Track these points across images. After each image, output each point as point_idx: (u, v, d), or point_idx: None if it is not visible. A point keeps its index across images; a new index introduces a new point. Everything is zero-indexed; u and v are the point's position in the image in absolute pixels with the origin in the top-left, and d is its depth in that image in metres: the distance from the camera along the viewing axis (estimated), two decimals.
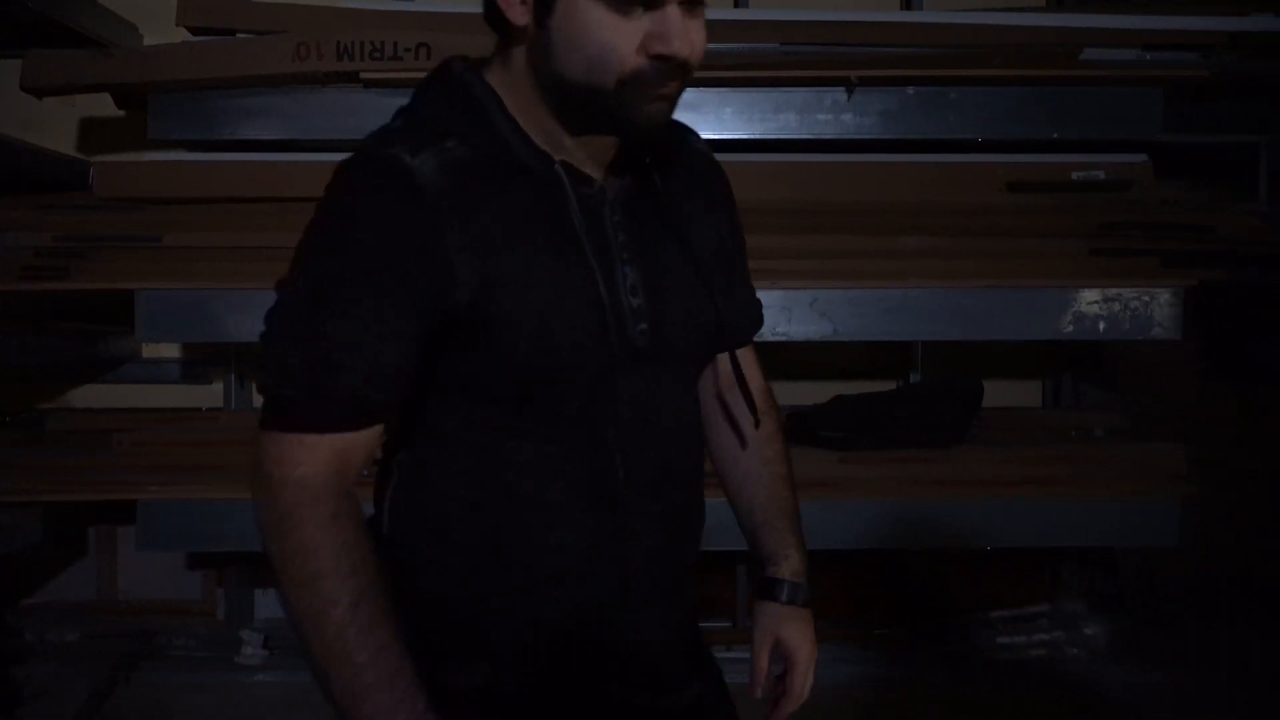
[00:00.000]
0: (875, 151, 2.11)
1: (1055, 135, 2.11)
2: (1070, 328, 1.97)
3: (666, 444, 0.82)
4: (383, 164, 0.74)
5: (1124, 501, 1.88)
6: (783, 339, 1.89)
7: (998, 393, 2.41)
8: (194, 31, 1.98)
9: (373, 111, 1.93)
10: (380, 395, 0.72)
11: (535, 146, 0.77)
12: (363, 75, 1.91)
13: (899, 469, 1.88)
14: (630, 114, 0.74)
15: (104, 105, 2.29)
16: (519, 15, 0.74)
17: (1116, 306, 1.97)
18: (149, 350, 2.43)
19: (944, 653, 2.06)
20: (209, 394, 2.42)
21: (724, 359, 0.89)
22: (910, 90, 2.08)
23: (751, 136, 2.05)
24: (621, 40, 0.72)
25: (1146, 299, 1.97)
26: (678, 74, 0.74)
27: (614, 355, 0.77)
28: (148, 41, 2.35)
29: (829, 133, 2.06)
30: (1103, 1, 2.48)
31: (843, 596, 2.28)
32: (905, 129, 2.08)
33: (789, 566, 0.95)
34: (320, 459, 0.72)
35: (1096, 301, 1.97)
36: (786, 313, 1.89)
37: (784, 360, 2.42)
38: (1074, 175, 2.12)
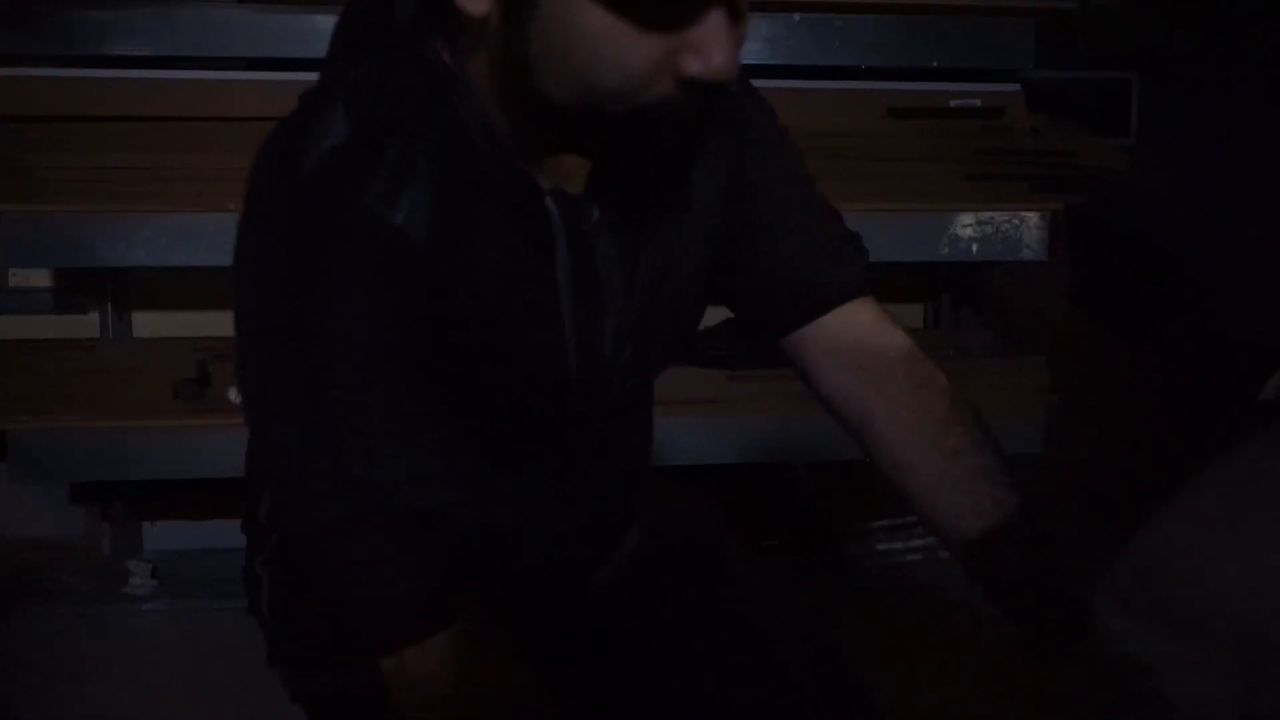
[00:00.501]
0: (762, 78, 2.14)
1: (935, 64, 2.18)
2: (946, 250, 2.06)
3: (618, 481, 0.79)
4: (367, 235, 0.56)
5: (993, 412, 1.98)
6: None
7: None
8: None
9: (250, 28, 1.87)
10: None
11: (515, 166, 0.60)
12: None
13: (784, 386, 1.95)
14: (644, 146, 0.62)
15: None
16: (475, 2, 0.53)
17: (989, 229, 2.07)
18: (17, 279, 2.32)
19: (826, 561, 2.17)
20: (84, 324, 2.34)
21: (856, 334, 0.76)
22: (796, 17, 2.11)
23: None
24: (639, 59, 0.52)
25: (1016, 222, 2.07)
26: (710, 98, 0.55)
27: (574, 420, 0.71)
28: None
29: None
30: None
31: (729, 511, 2.36)
32: (791, 55, 2.11)
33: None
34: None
35: (970, 225, 2.06)
36: None
37: None
38: (952, 103, 2.19)
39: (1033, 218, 2.07)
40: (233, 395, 1.78)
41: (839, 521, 2.26)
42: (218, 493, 2.15)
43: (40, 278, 2.36)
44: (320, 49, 0.67)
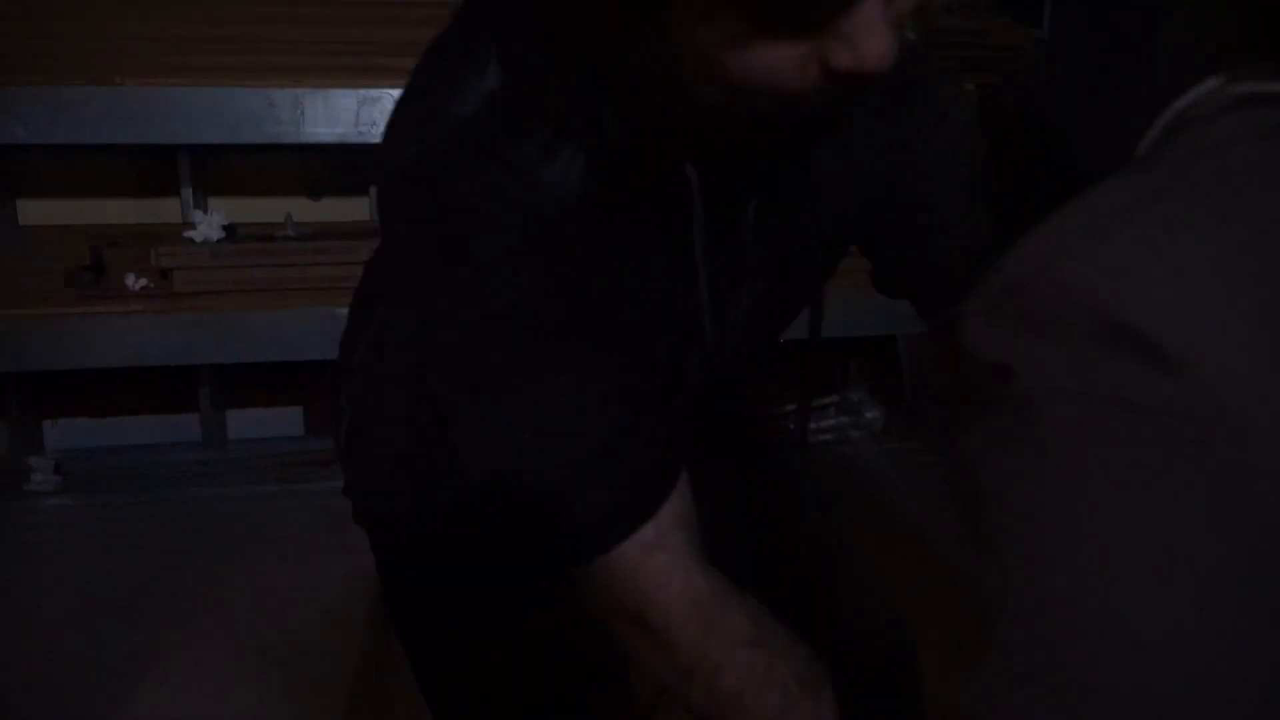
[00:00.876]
0: None
1: None
2: None
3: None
4: (523, 192, 0.54)
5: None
6: None
7: None
8: None
9: None
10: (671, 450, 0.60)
11: (648, 138, 0.56)
12: None
13: None
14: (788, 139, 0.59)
15: None
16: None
17: None
18: None
19: (741, 442, 2.22)
20: None
21: None
22: None
23: None
24: (783, 60, 0.47)
25: None
26: (863, 88, 0.49)
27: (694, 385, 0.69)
28: None
29: None
30: None
31: None
32: None
33: None
34: (682, 544, 0.59)
35: None
36: None
37: None
38: None
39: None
40: (130, 281, 1.70)
41: (756, 404, 2.31)
42: (120, 386, 2.09)
43: None
44: None
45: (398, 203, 0.59)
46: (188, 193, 2.05)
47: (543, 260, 0.55)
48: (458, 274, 0.56)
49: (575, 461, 0.57)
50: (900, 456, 2.13)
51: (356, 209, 2.33)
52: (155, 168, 2.09)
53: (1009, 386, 0.31)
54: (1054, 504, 0.30)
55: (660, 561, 0.58)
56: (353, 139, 1.76)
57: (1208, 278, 0.29)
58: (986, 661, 0.32)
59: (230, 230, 1.84)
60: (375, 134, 1.76)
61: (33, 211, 2.08)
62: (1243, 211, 0.29)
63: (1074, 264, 0.30)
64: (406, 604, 0.80)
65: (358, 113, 1.75)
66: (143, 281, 1.69)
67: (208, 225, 1.76)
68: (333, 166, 2.29)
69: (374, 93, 1.75)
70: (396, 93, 1.83)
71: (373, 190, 2.29)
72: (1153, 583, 0.29)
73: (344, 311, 1.73)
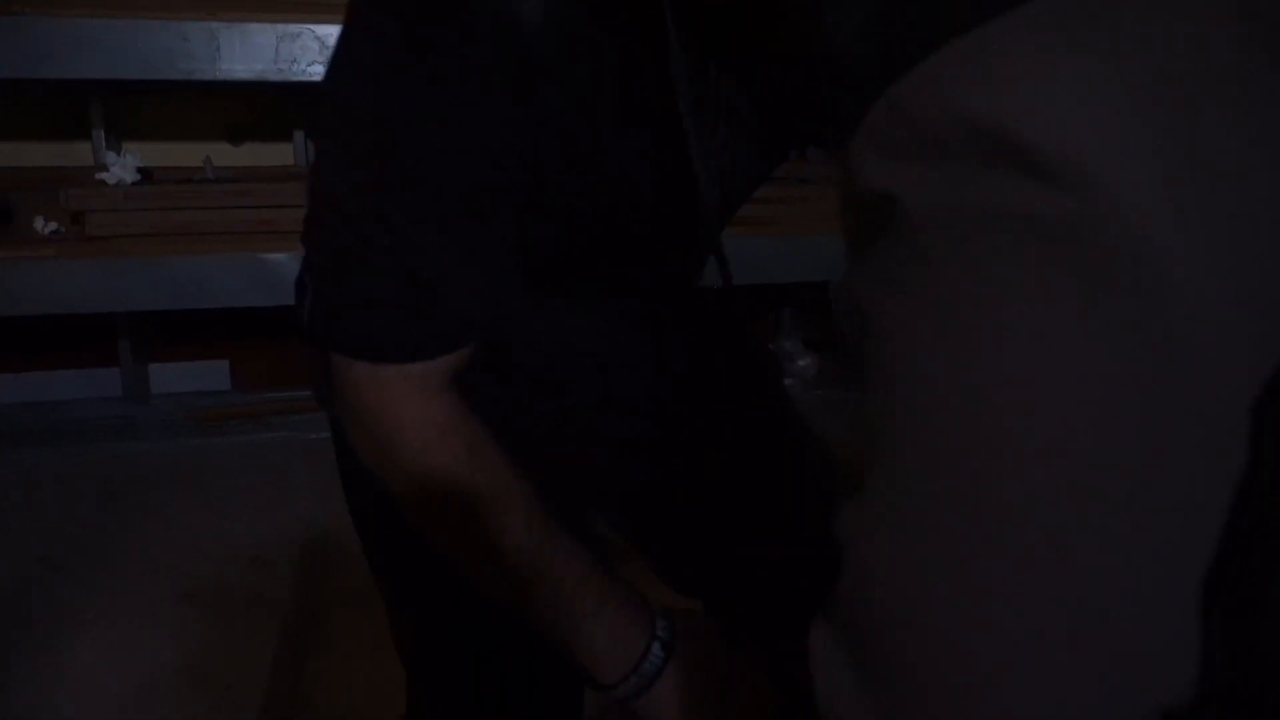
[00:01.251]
0: None
1: None
2: None
3: None
4: (486, 16, 0.51)
5: (836, 240, 2.06)
6: None
7: None
8: None
9: None
10: (488, 306, 0.60)
11: None
12: None
13: None
14: None
15: None
16: None
17: None
18: None
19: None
20: None
21: None
22: None
23: None
24: None
25: None
26: None
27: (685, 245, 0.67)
28: None
29: None
30: None
31: None
32: None
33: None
34: (436, 383, 0.59)
35: None
36: None
37: None
38: None
39: None
40: (39, 225, 1.64)
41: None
42: (36, 340, 2.02)
43: None
44: None
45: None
46: (100, 135, 1.97)
47: (502, 85, 0.52)
48: (410, 60, 0.53)
49: (395, 253, 0.56)
50: (831, 404, 2.16)
51: (280, 154, 2.26)
52: (65, 109, 2.00)
53: (893, 214, 0.30)
54: (937, 326, 0.30)
55: (416, 396, 0.59)
56: (272, 76, 1.70)
57: (1110, 86, 0.27)
58: (866, 488, 0.32)
59: (146, 174, 1.77)
60: (295, 71, 1.71)
61: None
62: (1149, 17, 0.28)
63: (958, 79, 0.29)
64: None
65: (277, 49, 1.69)
66: (52, 225, 1.62)
67: (121, 167, 1.69)
68: (254, 109, 2.21)
69: (294, 28, 1.69)
70: (318, 28, 1.78)
71: (297, 134, 2.23)
72: (1034, 403, 0.28)
73: (270, 257, 1.70)
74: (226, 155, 2.18)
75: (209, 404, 2.05)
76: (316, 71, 1.72)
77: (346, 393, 0.60)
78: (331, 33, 1.74)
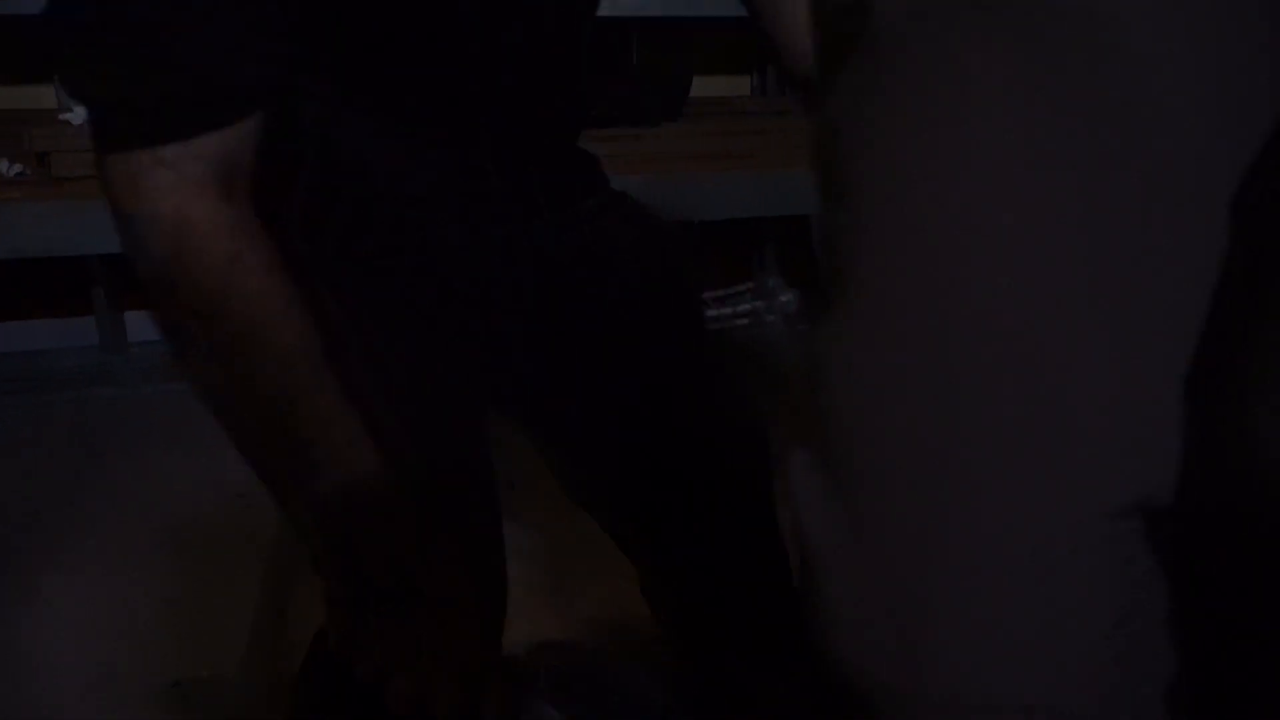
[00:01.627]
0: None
1: None
2: None
3: None
4: None
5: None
6: None
7: (708, 87, 2.49)
8: None
9: None
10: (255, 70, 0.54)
11: None
12: None
13: (611, 146, 1.92)
14: None
15: None
16: None
17: None
18: None
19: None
20: None
21: None
22: None
23: None
24: None
25: None
26: None
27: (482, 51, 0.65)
28: None
29: None
30: None
31: None
32: None
33: None
34: (197, 176, 0.53)
35: None
36: None
37: None
38: None
39: None
40: (3, 168, 1.60)
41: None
42: (10, 288, 1.99)
43: None
44: None
45: None
46: None
47: None
48: None
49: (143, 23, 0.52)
50: (799, 336, 2.17)
51: None
52: (25, 50, 1.95)
53: (865, 25, 0.29)
54: (908, 120, 0.29)
55: (169, 182, 0.54)
56: None
57: None
58: (835, 305, 0.31)
59: None
60: None
61: None
62: None
63: None
64: None
65: None
66: (17, 167, 1.59)
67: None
68: None
69: None
70: None
71: None
72: (1005, 192, 0.27)
73: None
74: None
75: None
76: None
77: (116, 198, 0.56)
78: None
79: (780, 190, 2.06)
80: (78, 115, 1.66)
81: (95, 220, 1.58)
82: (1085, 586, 0.28)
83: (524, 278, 0.72)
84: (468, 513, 0.67)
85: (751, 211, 2.06)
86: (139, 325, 2.10)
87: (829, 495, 0.31)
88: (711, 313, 2.29)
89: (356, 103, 0.61)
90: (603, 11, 1.92)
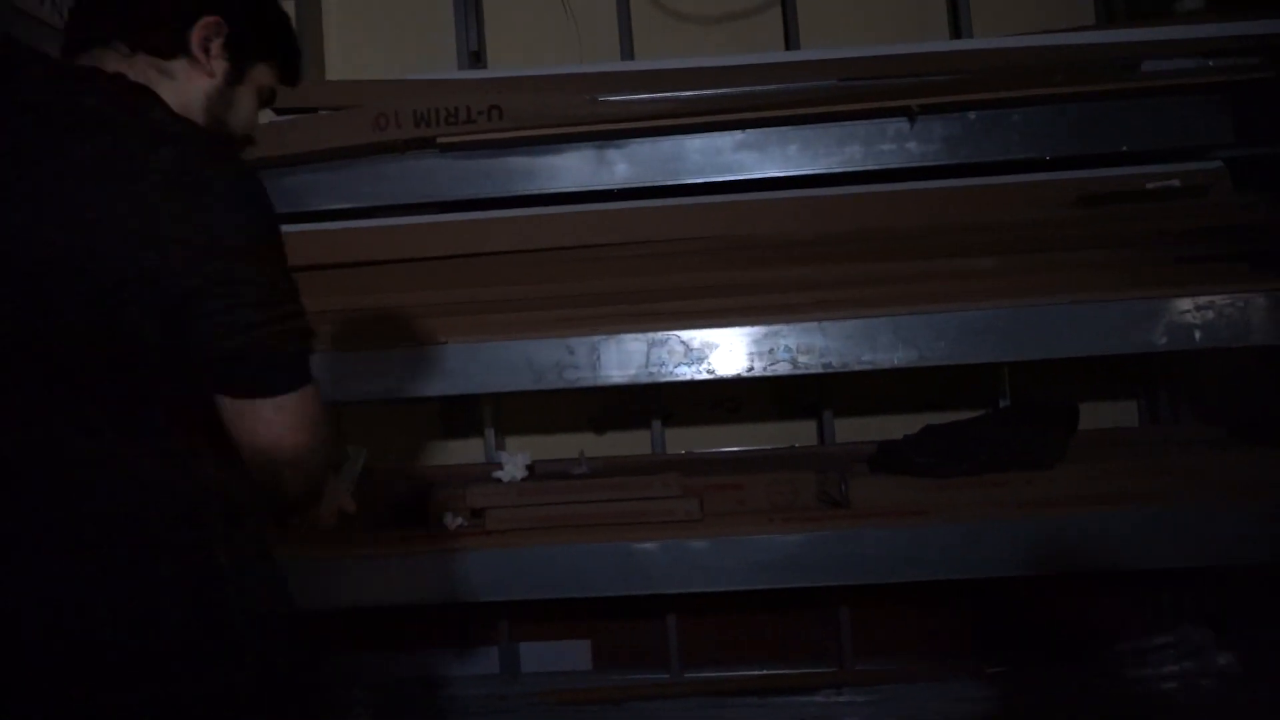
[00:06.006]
0: (943, 177, 2.12)
1: (1124, 148, 2.09)
2: (1164, 339, 1.91)
3: None
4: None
5: (1228, 511, 1.80)
6: (868, 367, 1.87)
7: (1092, 415, 2.36)
8: (279, 113, 2.08)
9: (448, 173, 2.02)
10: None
11: None
12: (439, 140, 1.98)
13: (999, 492, 1.84)
14: None
15: None
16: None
17: (1210, 314, 1.92)
18: None
19: (1065, 689, 1.97)
20: None
21: None
22: (972, 115, 2.09)
23: (816, 171, 2.07)
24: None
25: (1241, 304, 1.91)
26: None
27: None
28: None
29: (894, 162, 2.07)
30: (1156, 15, 2.48)
31: (950, 630, 2.21)
32: (970, 153, 2.08)
33: None
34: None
35: (1189, 310, 1.92)
36: (869, 341, 1.88)
37: (868, 392, 2.42)
38: (1148, 185, 2.09)
39: (1259, 299, 1.91)
40: (449, 520, 1.82)
41: (1075, 642, 2.07)
42: (420, 619, 2.19)
43: None
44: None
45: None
46: (490, 433, 2.21)
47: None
48: (273, 220, 0.87)
49: (290, 331, 0.85)
50: (1265, 707, 1.80)
51: (638, 441, 2.42)
52: (460, 412, 2.29)
53: None
54: None
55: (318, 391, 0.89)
56: (643, 379, 1.85)
57: None
58: None
59: (528, 468, 1.95)
60: (664, 373, 1.85)
61: None
62: None
63: None
64: None
65: (648, 354, 1.85)
66: (459, 520, 1.81)
67: (513, 465, 1.88)
68: (615, 401, 2.42)
69: (662, 335, 1.85)
70: (683, 333, 1.91)
71: (655, 424, 2.38)
72: None
73: (641, 546, 1.77)
74: (590, 443, 2.36)
75: (574, 684, 2.11)
76: (683, 372, 1.85)
77: (316, 409, 0.88)
78: (695, 336, 1.89)
79: (1197, 534, 1.83)
80: (506, 472, 1.89)
81: (516, 569, 1.74)
82: None
83: None
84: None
85: (1167, 561, 1.84)
86: (529, 654, 2.23)
87: None
88: (1128, 672, 2.00)
89: None
90: (970, 356, 1.92)
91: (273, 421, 0.81)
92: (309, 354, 0.85)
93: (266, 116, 2.10)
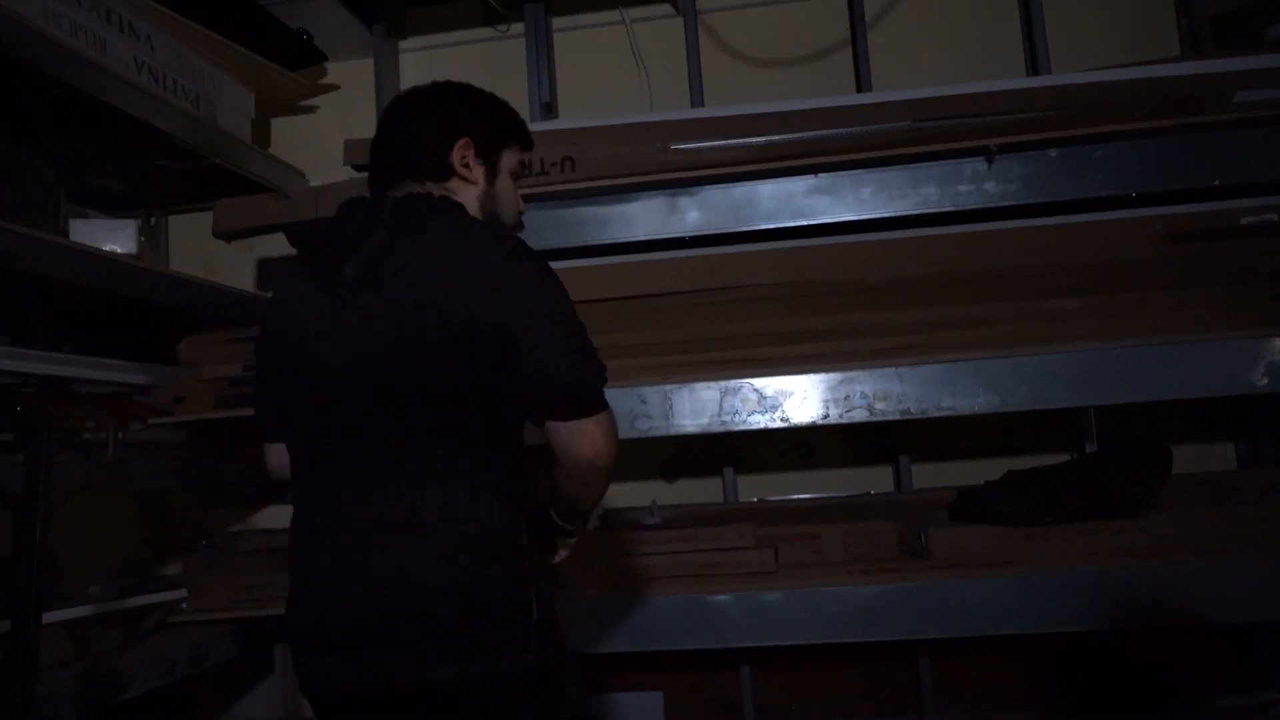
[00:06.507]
0: (1022, 217, 2.07)
1: (1216, 182, 2.01)
2: (1264, 380, 1.83)
3: None
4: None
5: None
6: (948, 413, 1.82)
7: (1186, 458, 2.25)
8: (357, 170, 2.14)
9: (523, 225, 2.04)
10: None
11: None
12: None
13: (1089, 542, 1.76)
14: None
15: (277, 247, 2.50)
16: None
17: None
18: None
19: None
20: None
21: None
22: (1052, 152, 2.04)
23: (891, 214, 2.04)
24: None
25: None
26: None
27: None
28: (312, 183, 2.57)
29: (972, 203, 2.02)
30: (1244, 44, 2.39)
31: (1036, 681, 2.12)
32: (1051, 191, 2.02)
33: None
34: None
35: None
36: (949, 386, 1.84)
37: (946, 436, 2.35)
38: (1244, 220, 2.00)
39: None
40: None
41: (1175, 696, 1.96)
42: None
43: None
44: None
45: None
46: None
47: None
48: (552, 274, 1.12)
49: (596, 362, 1.09)
50: None
51: (709, 489, 2.40)
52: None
53: None
54: None
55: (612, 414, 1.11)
56: (715, 428, 1.83)
57: None
58: None
59: (600, 518, 1.94)
60: (737, 421, 1.83)
61: None
62: None
63: None
64: None
65: (720, 403, 1.84)
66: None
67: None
68: (686, 450, 2.40)
69: (734, 383, 1.84)
70: (756, 381, 1.89)
71: (727, 471, 2.36)
72: None
73: (715, 599, 1.74)
74: (661, 491, 2.34)
75: None
76: (756, 421, 1.83)
77: (607, 432, 1.08)
78: (769, 384, 1.87)
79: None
80: None
81: (596, 615, 1.72)
82: None
83: None
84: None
85: (1270, 615, 1.73)
86: (605, 707, 2.20)
87: None
88: None
89: None
90: (1054, 401, 1.84)
91: (594, 434, 1.05)
92: (605, 380, 1.08)
93: (347, 173, 2.18)
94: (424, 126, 1.16)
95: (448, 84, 1.20)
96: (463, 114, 1.17)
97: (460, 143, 1.15)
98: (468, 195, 1.15)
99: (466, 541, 1.02)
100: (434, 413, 1.02)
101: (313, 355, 1.07)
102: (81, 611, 1.83)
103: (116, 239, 1.95)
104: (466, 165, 1.15)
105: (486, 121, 1.18)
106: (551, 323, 1.03)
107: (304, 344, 1.07)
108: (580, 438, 1.04)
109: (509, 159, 1.19)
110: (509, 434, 1.10)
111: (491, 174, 1.17)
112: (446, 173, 1.14)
